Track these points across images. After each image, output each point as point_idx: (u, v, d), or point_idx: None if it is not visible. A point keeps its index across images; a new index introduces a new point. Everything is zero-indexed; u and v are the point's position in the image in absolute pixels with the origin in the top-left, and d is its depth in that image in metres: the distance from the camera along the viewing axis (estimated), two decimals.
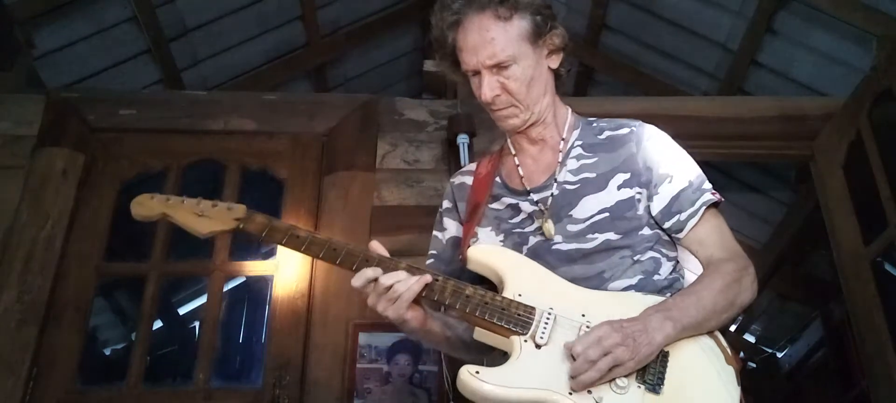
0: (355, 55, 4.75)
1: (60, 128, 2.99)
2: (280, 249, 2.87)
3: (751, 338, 6.46)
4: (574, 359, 1.26)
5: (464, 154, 2.84)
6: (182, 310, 5.91)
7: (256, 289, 5.07)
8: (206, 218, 1.52)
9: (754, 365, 6.18)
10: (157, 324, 4.94)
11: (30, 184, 2.87)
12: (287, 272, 2.79)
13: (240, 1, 3.88)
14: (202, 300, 5.20)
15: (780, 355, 6.32)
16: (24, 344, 2.61)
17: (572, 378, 1.26)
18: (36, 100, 3.07)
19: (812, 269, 5.07)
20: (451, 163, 2.96)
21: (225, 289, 3.08)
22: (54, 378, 2.63)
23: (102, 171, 2.99)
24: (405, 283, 1.37)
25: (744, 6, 3.60)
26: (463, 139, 2.88)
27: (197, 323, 5.46)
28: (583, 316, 1.35)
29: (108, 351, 5.33)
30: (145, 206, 1.55)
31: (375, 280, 1.38)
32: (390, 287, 1.37)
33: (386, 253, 1.45)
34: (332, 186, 2.95)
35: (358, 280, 1.39)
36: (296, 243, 1.47)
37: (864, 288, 2.79)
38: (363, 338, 2.65)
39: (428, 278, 1.40)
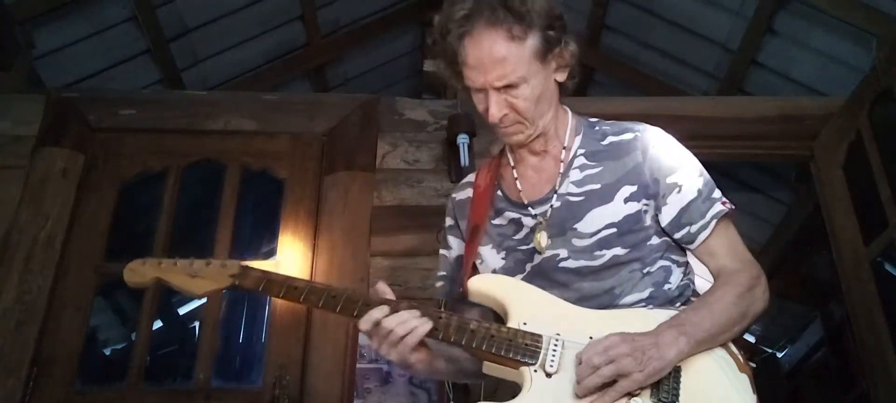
0: (355, 55, 4.74)
1: (60, 128, 2.99)
2: (280, 249, 2.87)
3: (751, 338, 6.47)
4: (579, 365, 1.25)
5: (464, 154, 2.84)
6: (182, 310, 5.89)
7: None
8: (201, 278, 1.50)
9: (754, 365, 6.17)
10: (157, 324, 4.94)
11: (30, 184, 2.87)
12: (287, 272, 2.77)
13: (240, 1, 3.88)
14: (202, 300, 5.18)
15: (780, 355, 6.33)
16: (24, 344, 2.61)
17: (577, 382, 1.25)
18: (36, 100, 3.07)
19: (812, 269, 5.07)
20: (451, 163, 2.96)
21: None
22: (54, 378, 2.63)
23: (102, 171, 2.99)
24: (405, 326, 1.34)
25: (744, 6, 3.59)
26: (463, 139, 2.87)
27: (197, 323, 5.45)
28: (591, 338, 1.31)
29: (108, 351, 5.32)
30: (138, 273, 1.52)
31: (378, 323, 1.35)
32: (391, 331, 1.34)
33: (391, 295, 1.42)
34: (332, 186, 2.94)
35: (365, 324, 1.36)
36: (294, 294, 1.45)
37: (864, 288, 2.79)
38: (363, 338, 2.63)
39: (429, 325, 1.36)
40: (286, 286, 1.46)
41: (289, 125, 3.11)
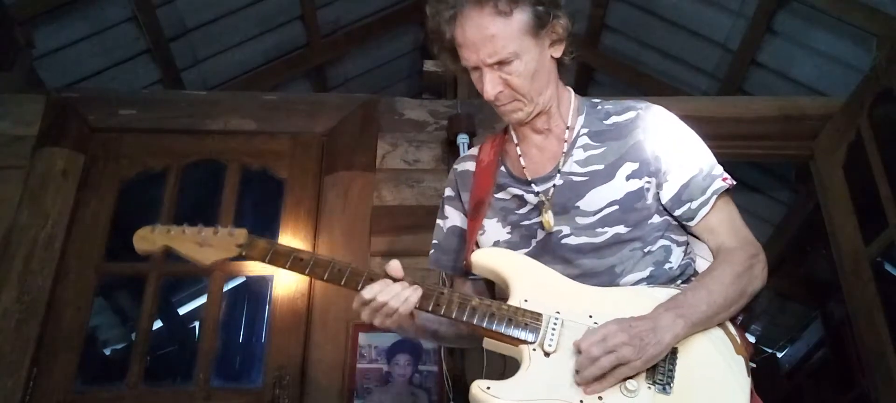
0: (355, 55, 4.75)
1: (60, 128, 2.99)
2: None
3: (751, 338, 6.46)
4: (578, 356, 1.26)
5: (464, 154, 2.84)
6: (182, 310, 5.90)
7: (256, 289, 5.07)
8: (208, 246, 1.53)
9: (754, 365, 6.18)
10: (157, 324, 4.94)
11: (30, 184, 2.87)
12: (287, 272, 2.77)
13: (240, 1, 3.88)
14: (202, 300, 5.20)
15: (780, 355, 6.33)
16: (24, 344, 2.61)
17: (576, 372, 1.25)
18: (36, 100, 3.07)
19: (812, 269, 5.07)
20: (451, 163, 2.96)
21: (225, 289, 3.08)
22: (54, 378, 2.63)
23: (102, 171, 2.99)
24: (398, 299, 1.37)
25: (744, 6, 3.60)
26: (463, 139, 2.88)
27: (197, 323, 5.46)
28: (590, 317, 1.33)
29: (108, 351, 5.33)
30: (147, 240, 1.55)
31: (372, 299, 1.37)
32: (385, 304, 1.37)
33: (401, 273, 1.43)
34: (332, 186, 2.94)
35: (367, 293, 1.38)
36: (299, 266, 1.46)
37: (864, 288, 2.79)
38: (363, 338, 2.65)
39: (419, 289, 1.39)
40: (292, 257, 1.47)
41: (289, 125, 3.11)
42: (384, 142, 3.06)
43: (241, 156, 3.06)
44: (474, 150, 1.70)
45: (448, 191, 1.69)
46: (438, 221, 1.69)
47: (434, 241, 1.68)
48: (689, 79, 4.20)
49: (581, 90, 4.90)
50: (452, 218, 1.66)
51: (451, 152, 2.95)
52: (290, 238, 2.87)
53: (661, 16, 3.96)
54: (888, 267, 3.76)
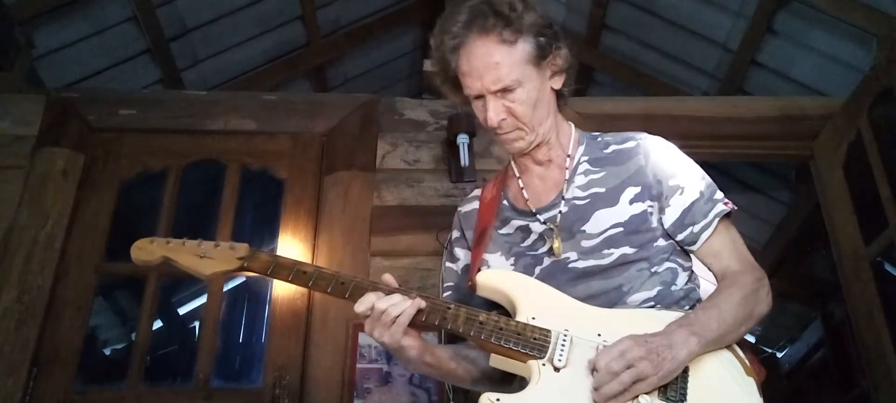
0: (355, 55, 4.75)
1: (60, 128, 2.99)
2: (280, 248, 2.87)
3: (751, 338, 6.47)
4: (596, 372, 1.25)
5: (464, 154, 2.83)
6: (182, 310, 5.91)
7: (256, 289, 5.07)
8: (209, 259, 1.50)
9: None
10: (157, 324, 4.94)
11: (30, 183, 2.86)
12: None
13: (240, 1, 3.88)
14: (202, 300, 5.19)
15: (780, 355, 6.33)
16: (24, 344, 2.61)
17: (596, 390, 1.25)
18: (36, 100, 3.06)
19: (812, 269, 5.07)
20: (451, 163, 2.96)
21: (225, 289, 3.08)
22: (54, 378, 2.62)
23: (102, 171, 2.99)
24: (399, 306, 1.36)
25: (744, 6, 3.60)
26: (463, 139, 2.87)
27: (197, 323, 5.47)
28: (599, 335, 1.33)
29: (108, 351, 5.33)
30: (145, 251, 1.52)
31: (373, 305, 1.37)
32: (384, 311, 1.36)
33: (395, 285, 1.43)
34: (332, 186, 2.94)
35: (361, 305, 1.38)
36: (302, 279, 1.45)
37: (864, 288, 2.79)
38: (363, 338, 2.65)
39: (420, 302, 1.38)
40: (295, 270, 1.46)
41: (289, 125, 3.11)
42: (384, 142, 3.06)
43: (241, 156, 3.06)
44: (477, 191, 1.73)
45: (454, 234, 1.70)
46: (450, 265, 1.69)
47: (448, 284, 1.68)
48: (688, 79, 4.20)
49: (581, 90, 4.91)
50: (462, 259, 1.66)
51: (452, 152, 2.95)
52: (290, 238, 2.87)
53: (661, 16, 3.96)
54: (888, 267, 3.75)
